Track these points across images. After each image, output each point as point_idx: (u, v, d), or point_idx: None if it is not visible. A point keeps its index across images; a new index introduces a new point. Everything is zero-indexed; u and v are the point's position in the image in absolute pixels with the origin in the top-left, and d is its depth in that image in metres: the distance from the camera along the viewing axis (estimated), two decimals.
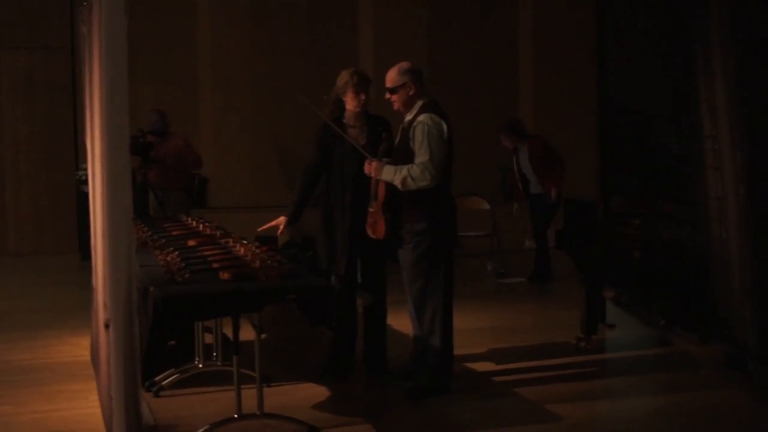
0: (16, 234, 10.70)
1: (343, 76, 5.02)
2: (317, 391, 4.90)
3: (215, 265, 4.22)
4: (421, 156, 4.62)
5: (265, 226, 5.17)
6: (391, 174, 4.66)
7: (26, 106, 10.65)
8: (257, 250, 4.57)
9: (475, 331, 6.39)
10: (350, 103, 5.02)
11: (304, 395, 4.82)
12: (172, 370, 5.01)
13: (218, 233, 5.28)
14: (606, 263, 6.17)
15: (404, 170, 4.63)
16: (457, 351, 5.00)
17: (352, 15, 11.15)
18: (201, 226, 5.66)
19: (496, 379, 5.18)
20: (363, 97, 4.99)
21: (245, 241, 4.86)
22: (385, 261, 5.08)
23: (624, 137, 7.39)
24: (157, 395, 4.79)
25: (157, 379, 4.91)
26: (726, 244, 5.51)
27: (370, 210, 4.82)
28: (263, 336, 4.20)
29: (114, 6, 3.35)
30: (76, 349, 5.88)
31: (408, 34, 11.13)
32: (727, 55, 5.48)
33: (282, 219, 5.12)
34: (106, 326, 3.72)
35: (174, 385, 4.90)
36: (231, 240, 4.94)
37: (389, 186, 4.69)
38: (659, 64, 6.77)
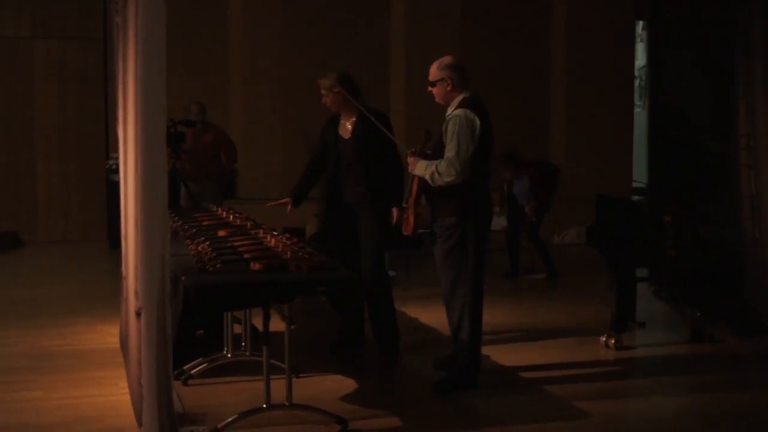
0: (46, 222, 10.80)
1: None
2: (345, 383, 4.90)
3: (246, 256, 4.22)
4: (449, 151, 4.61)
5: (274, 203, 5.60)
6: (423, 169, 4.67)
7: (58, 95, 10.73)
8: (288, 242, 4.57)
9: (503, 326, 6.36)
10: None
11: (332, 386, 4.83)
12: (200, 359, 5.04)
13: (248, 224, 5.30)
14: (640, 260, 6.09)
15: (433, 166, 4.63)
16: (486, 346, 4.98)
17: (384, 7, 11.12)
18: (231, 216, 5.67)
19: (525, 374, 5.16)
20: (323, 100, 5.43)
21: (275, 233, 4.87)
22: (379, 240, 5.32)
23: (664, 135, 7.32)
24: (185, 384, 4.82)
25: (185, 367, 4.93)
26: (760, 242, 5.45)
27: (404, 205, 4.87)
28: (293, 327, 4.20)
29: None
30: (106, 336, 5.93)
31: (440, 27, 11.08)
32: None
33: (287, 200, 5.55)
34: (137, 314, 3.73)
35: (202, 374, 4.93)
36: (261, 231, 4.94)
37: (422, 181, 4.70)
38: (700, 63, 6.70)
